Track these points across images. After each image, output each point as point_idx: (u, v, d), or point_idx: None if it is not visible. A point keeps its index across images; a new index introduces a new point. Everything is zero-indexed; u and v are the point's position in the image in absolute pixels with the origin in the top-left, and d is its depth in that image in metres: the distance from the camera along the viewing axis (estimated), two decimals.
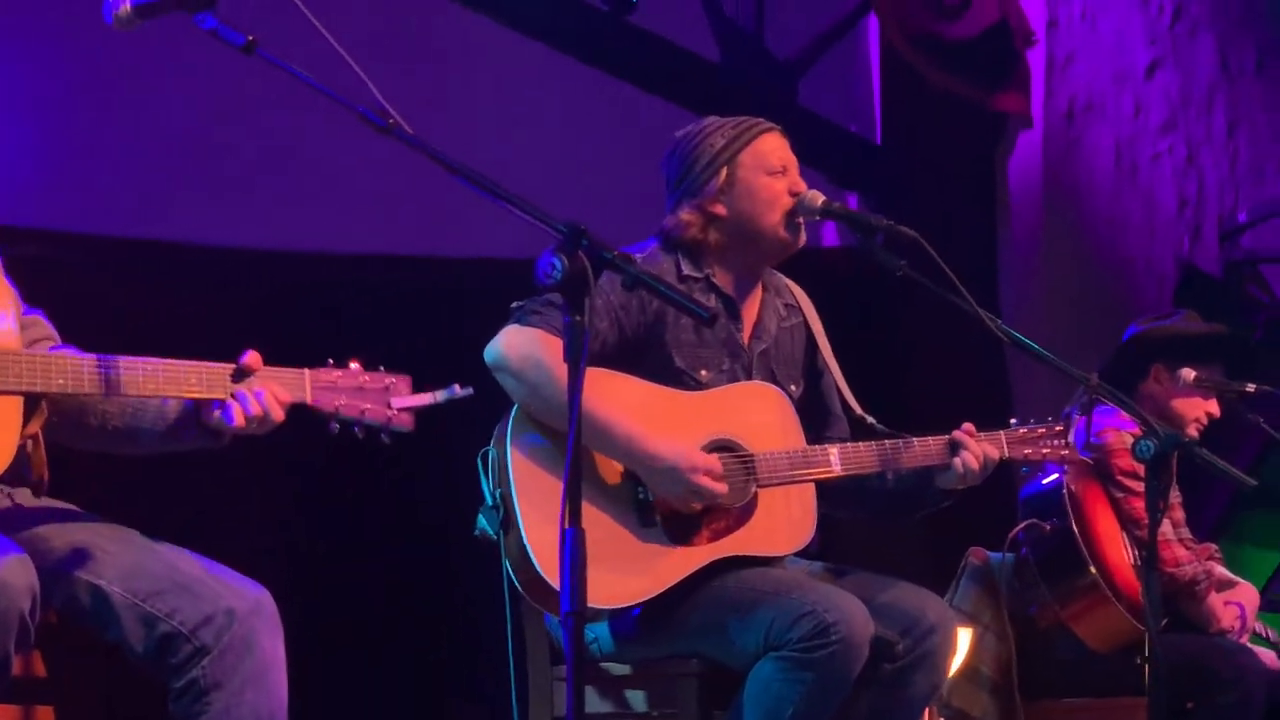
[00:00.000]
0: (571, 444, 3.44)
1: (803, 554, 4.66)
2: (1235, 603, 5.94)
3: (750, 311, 4.75)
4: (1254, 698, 5.58)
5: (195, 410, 3.77)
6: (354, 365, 3.91)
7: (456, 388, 3.93)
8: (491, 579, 4.39)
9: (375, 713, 7.16)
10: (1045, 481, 5.75)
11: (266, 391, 3.73)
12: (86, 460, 3.88)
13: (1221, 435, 6.13)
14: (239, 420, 3.71)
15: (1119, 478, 5.74)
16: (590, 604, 3.51)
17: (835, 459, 4.60)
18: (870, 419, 4.77)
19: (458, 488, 4.53)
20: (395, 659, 7.19)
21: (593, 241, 3.52)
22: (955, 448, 4.64)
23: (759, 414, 4.61)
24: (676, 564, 4.41)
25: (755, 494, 4.51)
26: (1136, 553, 5.66)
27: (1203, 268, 9.25)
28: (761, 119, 4.79)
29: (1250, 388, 6.00)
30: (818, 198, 4.69)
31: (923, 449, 4.66)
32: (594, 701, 4.62)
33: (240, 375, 3.73)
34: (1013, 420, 4.86)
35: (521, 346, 4.40)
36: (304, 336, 7.20)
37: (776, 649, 4.30)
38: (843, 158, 8.84)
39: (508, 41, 7.69)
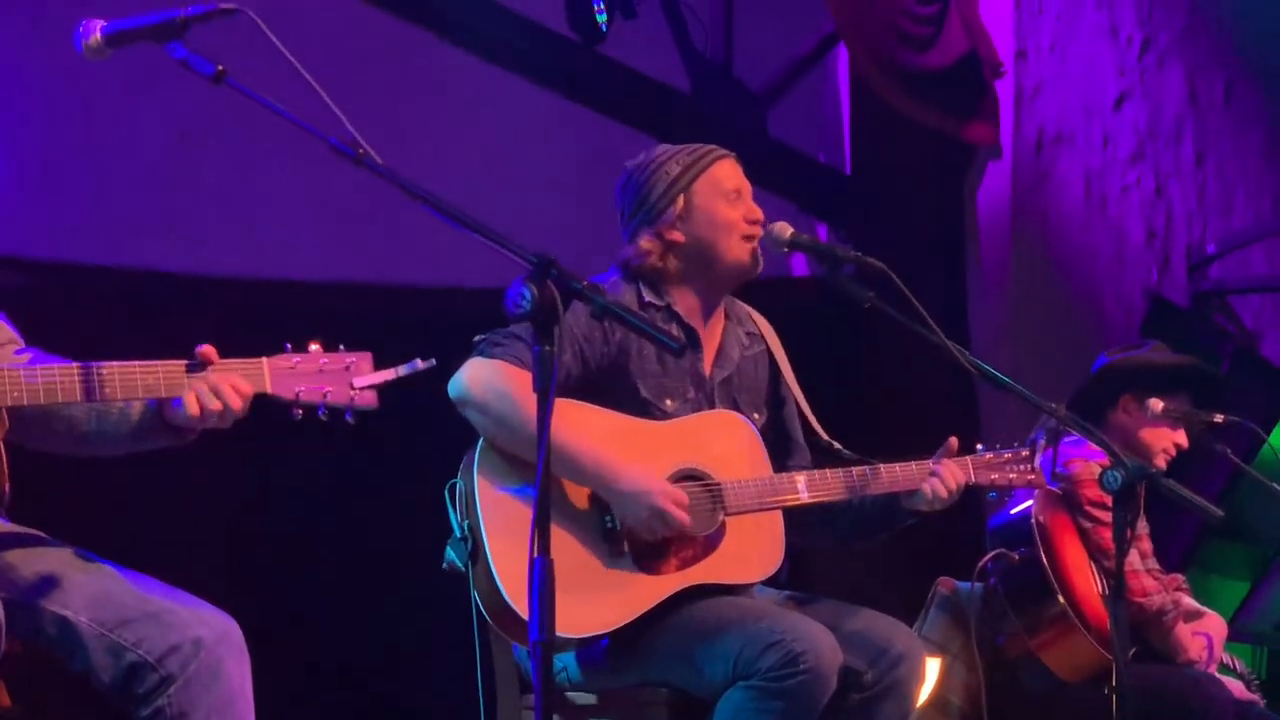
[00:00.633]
0: (541, 473, 3.44)
1: (771, 583, 4.67)
2: (1203, 633, 5.95)
3: (712, 340, 4.77)
4: None
5: (159, 409, 3.75)
6: (314, 347, 3.87)
7: (418, 362, 3.90)
8: (459, 610, 4.39)
9: None
10: (1014, 511, 5.76)
11: (224, 383, 3.71)
12: (51, 483, 3.87)
13: (1189, 466, 6.15)
14: (193, 409, 3.68)
15: (1087, 508, 5.75)
16: (559, 633, 3.51)
17: (802, 487, 4.62)
18: (837, 445, 4.78)
19: (424, 519, 4.52)
20: (363, 689, 7.17)
21: (562, 271, 3.52)
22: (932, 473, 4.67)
23: (725, 443, 4.62)
24: (645, 593, 4.42)
25: (723, 522, 4.52)
26: (1105, 583, 5.67)
27: (1171, 298, 9.28)
28: (715, 145, 4.81)
29: (1218, 418, 6.02)
30: (785, 229, 4.71)
31: (889, 476, 4.68)
32: None
33: (196, 368, 3.71)
34: (979, 446, 4.88)
35: (485, 379, 4.41)
36: None
37: (745, 678, 4.30)
38: (812, 188, 8.86)
39: (478, 71, 7.70)
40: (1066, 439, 5.61)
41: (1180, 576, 6.07)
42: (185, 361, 3.72)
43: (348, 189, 5.83)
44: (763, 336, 4.89)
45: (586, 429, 4.43)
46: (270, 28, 3.59)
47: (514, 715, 4.56)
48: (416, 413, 4.04)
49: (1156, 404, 5.97)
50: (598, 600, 4.36)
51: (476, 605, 4.37)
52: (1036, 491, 5.62)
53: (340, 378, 3.88)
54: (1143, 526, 5.92)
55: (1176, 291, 9.31)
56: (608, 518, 4.42)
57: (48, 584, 3.65)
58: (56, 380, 3.60)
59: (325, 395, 3.85)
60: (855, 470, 4.67)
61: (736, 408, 4.72)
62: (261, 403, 3.80)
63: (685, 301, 4.72)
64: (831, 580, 6.32)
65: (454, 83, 7.93)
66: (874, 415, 8.07)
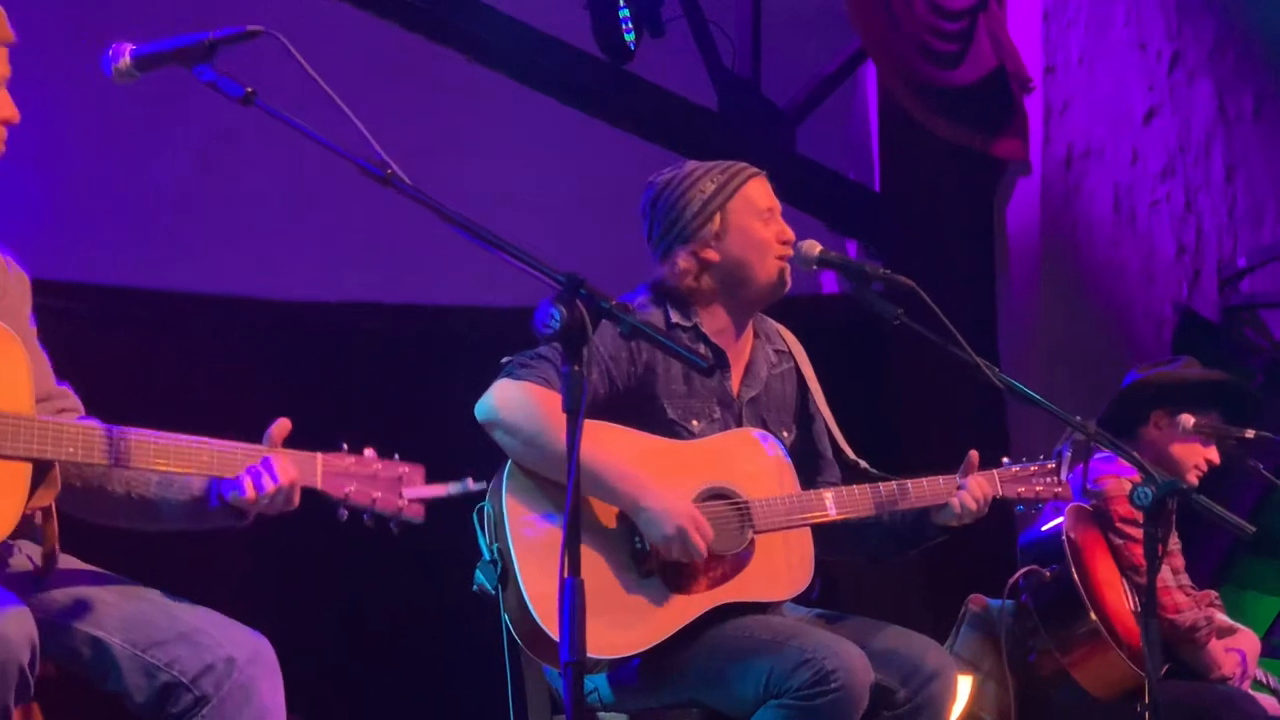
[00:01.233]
0: (570, 494, 3.44)
1: (802, 600, 4.66)
2: (1236, 649, 5.93)
3: (740, 359, 4.76)
4: None
5: (219, 486, 3.76)
6: (368, 452, 3.90)
7: (469, 481, 3.92)
8: (490, 632, 4.39)
9: None
10: (1045, 528, 5.75)
11: (280, 468, 3.72)
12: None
13: (1221, 482, 6.13)
14: (249, 493, 3.69)
15: (1118, 524, 5.74)
16: (590, 654, 3.51)
17: (831, 504, 4.61)
18: (864, 464, 4.77)
19: (452, 542, 4.52)
20: (394, 712, 7.18)
21: (591, 291, 3.52)
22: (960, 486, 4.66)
23: (753, 461, 4.61)
24: (675, 613, 4.41)
25: (752, 540, 4.51)
26: (1137, 599, 5.65)
27: (1202, 313, 9.25)
28: (746, 164, 4.80)
29: (1250, 433, 6.00)
30: (814, 247, 4.70)
31: (917, 492, 4.67)
32: None
33: (254, 453, 3.72)
34: (1005, 459, 4.88)
35: (514, 400, 4.41)
36: (304, 383, 7.23)
37: (776, 697, 4.29)
38: (841, 205, 8.86)
39: (506, 91, 7.71)
40: (1098, 455, 5.60)
41: (1213, 593, 6.05)
42: (242, 444, 3.72)
43: (376, 210, 5.85)
44: (791, 354, 4.89)
45: (615, 449, 4.43)
46: (296, 49, 3.59)
47: None
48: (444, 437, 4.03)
49: (1188, 419, 5.96)
50: (628, 621, 4.35)
51: (507, 628, 4.36)
52: (1067, 508, 5.61)
53: (391, 486, 3.89)
54: (1174, 542, 5.90)
55: (1207, 306, 9.28)
56: (637, 538, 4.41)
57: (81, 605, 3.66)
58: (113, 441, 3.60)
59: (374, 501, 3.87)
60: (883, 486, 4.66)
61: (765, 426, 4.72)
62: (309, 497, 3.81)
63: (714, 321, 4.71)
64: (862, 597, 6.31)
65: (482, 102, 7.96)
66: (903, 431, 8.07)
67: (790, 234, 4.74)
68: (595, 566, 4.32)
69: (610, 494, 4.40)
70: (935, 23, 8.38)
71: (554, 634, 4.17)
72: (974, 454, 4.75)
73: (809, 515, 4.59)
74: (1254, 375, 8.90)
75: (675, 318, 4.67)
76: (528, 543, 4.33)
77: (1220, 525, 4.90)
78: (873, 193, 9.07)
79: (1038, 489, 4.86)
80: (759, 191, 4.76)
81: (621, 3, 7.86)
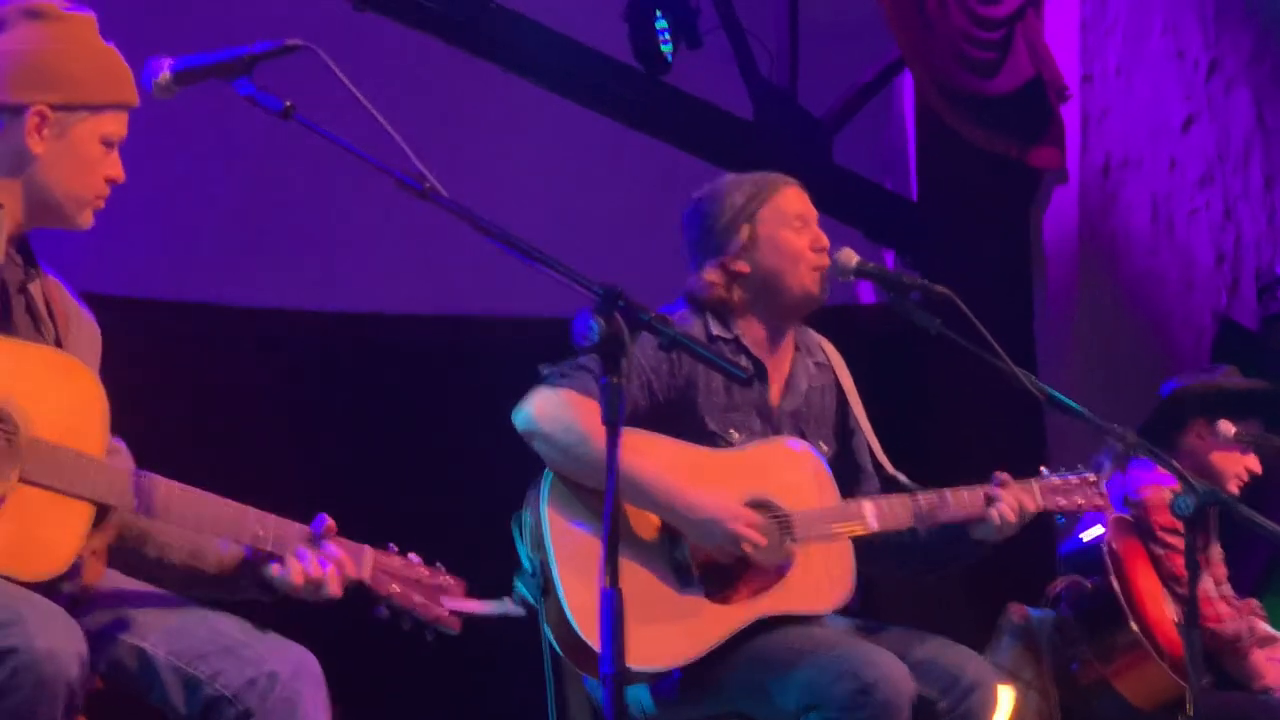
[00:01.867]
0: (609, 504, 3.44)
1: (842, 611, 4.65)
2: (1279, 659, 5.91)
3: (780, 371, 4.76)
4: None
5: (254, 563, 3.77)
6: (412, 556, 3.90)
7: (509, 602, 3.94)
8: (530, 643, 4.39)
9: None
10: (1085, 538, 5.74)
11: (334, 558, 3.72)
12: None
13: (1262, 491, 6.11)
14: (297, 580, 3.70)
15: (1159, 534, 5.73)
16: (631, 666, 3.50)
17: (871, 515, 4.60)
18: (902, 477, 4.76)
19: (491, 552, 4.53)
20: None
21: (629, 303, 3.52)
22: (991, 500, 4.64)
23: (793, 472, 4.61)
24: (716, 624, 4.41)
25: (793, 552, 4.51)
26: (1178, 609, 5.64)
27: (1241, 322, 9.22)
28: (780, 174, 4.80)
29: None
30: (852, 257, 4.70)
31: (957, 502, 4.66)
32: None
33: (309, 537, 3.73)
34: (1044, 470, 4.86)
35: (552, 410, 4.42)
36: (346, 394, 7.26)
37: (817, 708, 4.28)
38: (878, 214, 8.85)
39: (542, 102, 7.72)
40: (1137, 464, 5.59)
41: (1255, 602, 6.03)
42: (299, 525, 3.73)
43: (414, 222, 5.86)
44: (831, 366, 4.88)
45: (655, 458, 4.43)
46: (333, 63, 3.60)
47: None
48: (483, 439, 4.03)
49: (1228, 428, 5.94)
50: (670, 632, 4.35)
51: (547, 639, 4.37)
52: (1108, 518, 5.60)
53: (432, 593, 3.89)
54: (1216, 552, 5.89)
55: (1246, 315, 9.25)
56: (677, 549, 4.42)
57: (126, 619, 3.66)
58: (174, 496, 3.61)
59: (415, 606, 3.87)
60: (922, 497, 4.65)
61: (804, 439, 4.71)
62: (352, 590, 3.81)
63: (752, 333, 4.71)
64: (901, 608, 6.30)
65: (519, 114, 7.96)
66: (941, 441, 8.06)
67: (825, 241, 4.73)
68: (636, 577, 4.32)
69: (653, 505, 4.40)
70: (973, 31, 8.37)
71: (595, 645, 4.17)
72: (1001, 475, 4.72)
73: (849, 526, 4.58)
74: None
75: (716, 329, 4.67)
76: (568, 553, 4.33)
77: (1262, 534, 4.88)
78: (910, 202, 9.06)
79: (1078, 500, 4.84)
80: (790, 200, 4.76)
81: (659, 14, 7.87)
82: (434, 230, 5.98)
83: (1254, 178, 9.36)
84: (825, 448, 4.75)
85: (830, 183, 8.24)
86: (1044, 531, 5.26)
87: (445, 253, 7.09)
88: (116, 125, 3.74)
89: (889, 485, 4.78)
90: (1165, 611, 5.65)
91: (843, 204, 8.18)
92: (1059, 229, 8.93)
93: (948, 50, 8.29)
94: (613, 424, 3.45)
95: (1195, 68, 9.21)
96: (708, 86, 8.16)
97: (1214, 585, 5.81)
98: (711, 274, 4.69)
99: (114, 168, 3.76)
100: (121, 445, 3.81)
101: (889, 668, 4.27)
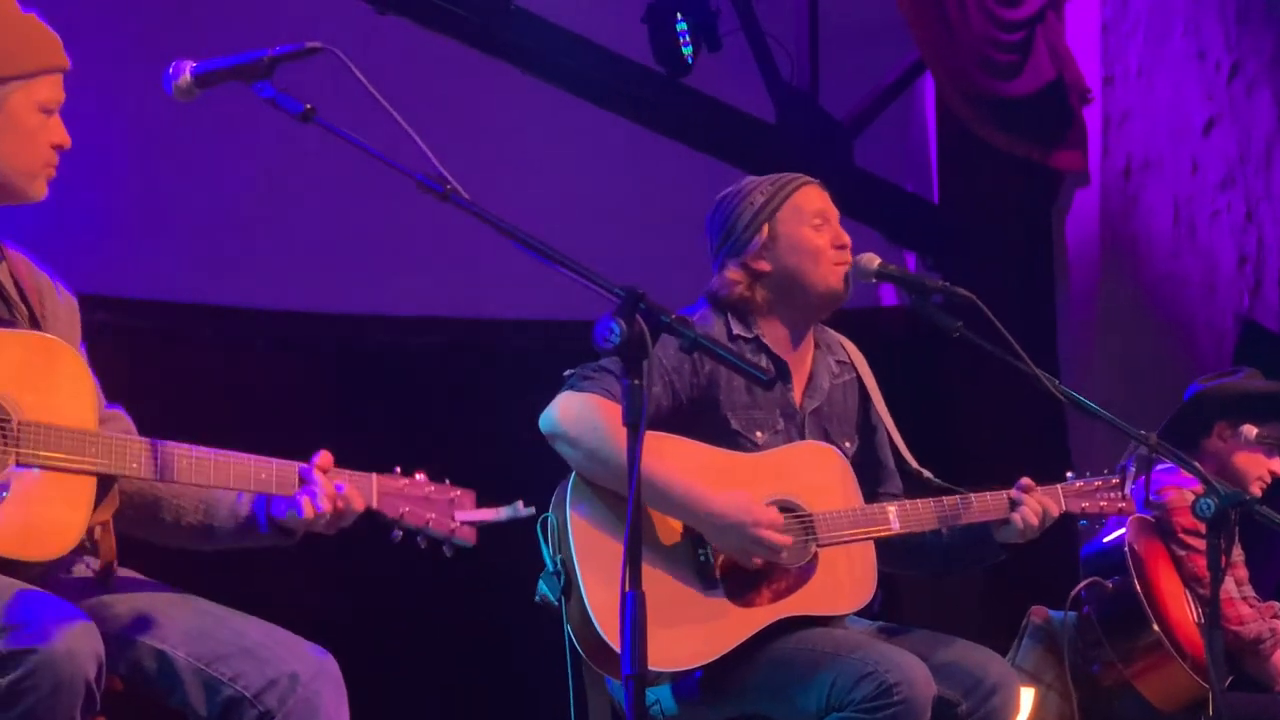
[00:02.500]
0: (632, 507, 3.44)
1: (864, 613, 4.65)
2: None
3: (802, 370, 4.75)
4: None
5: (267, 506, 3.78)
6: (419, 476, 3.91)
7: (520, 505, 3.93)
8: (552, 643, 4.40)
9: None
10: (1107, 540, 5.73)
11: (346, 485, 3.74)
12: None
13: None
14: (308, 512, 3.71)
15: (1181, 535, 5.72)
16: (652, 666, 3.50)
17: (894, 517, 4.60)
18: (927, 473, 4.76)
19: (515, 552, 4.53)
20: None
21: (650, 305, 3.52)
22: (1014, 505, 4.64)
23: (816, 473, 4.61)
24: (738, 625, 4.41)
25: (815, 553, 4.51)
26: (1200, 611, 5.63)
27: (1263, 324, 9.20)
28: (800, 174, 4.80)
29: None
30: (873, 260, 4.70)
31: (980, 505, 4.65)
32: None
33: (309, 472, 3.73)
34: (1069, 474, 4.86)
35: (577, 412, 4.42)
36: (365, 396, 7.27)
37: (839, 710, 4.29)
38: (899, 216, 8.85)
39: (563, 105, 7.73)
40: (1159, 466, 5.58)
41: (1277, 604, 6.02)
42: (299, 464, 3.74)
43: (435, 225, 5.86)
44: (853, 364, 4.88)
45: (678, 461, 4.43)
46: (354, 65, 3.60)
47: None
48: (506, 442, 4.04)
49: (1250, 430, 5.93)
50: (691, 633, 4.35)
51: (570, 639, 4.37)
52: (1130, 520, 5.59)
53: (444, 509, 3.90)
54: (1237, 554, 5.88)
55: (1269, 317, 9.23)
56: (700, 550, 4.42)
57: (146, 620, 3.67)
58: (171, 457, 3.63)
59: (428, 522, 3.88)
60: (947, 500, 4.65)
61: (827, 437, 4.71)
62: (364, 518, 3.82)
63: (774, 332, 4.71)
64: (923, 609, 6.31)
65: (540, 117, 7.97)
66: (963, 444, 8.06)
67: (846, 238, 4.72)
68: (659, 579, 4.32)
69: (676, 508, 4.41)
70: (994, 34, 8.37)
71: (616, 646, 4.17)
72: (1026, 481, 4.72)
73: (873, 528, 4.58)
74: None
75: (737, 329, 4.67)
76: (591, 554, 4.34)
77: None
78: (931, 205, 9.06)
79: (1102, 504, 4.84)
80: (810, 198, 4.75)
81: (679, 16, 7.88)
82: (456, 234, 6.00)
83: (1276, 179, 9.33)
84: (848, 445, 4.75)
85: (851, 185, 8.25)
86: (1066, 533, 5.25)
87: (467, 256, 7.11)
88: (52, 90, 3.72)
89: (913, 482, 4.78)
90: (1186, 613, 5.64)
91: (864, 206, 8.18)
92: (1080, 231, 8.92)
93: (968, 53, 8.29)
94: (634, 426, 3.46)
95: (1217, 69, 9.19)
96: (728, 89, 8.16)
97: (1236, 586, 5.80)
98: (733, 273, 4.70)
99: (58, 133, 3.75)
100: (119, 410, 3.83)
101: (911, 670, 4.27)
